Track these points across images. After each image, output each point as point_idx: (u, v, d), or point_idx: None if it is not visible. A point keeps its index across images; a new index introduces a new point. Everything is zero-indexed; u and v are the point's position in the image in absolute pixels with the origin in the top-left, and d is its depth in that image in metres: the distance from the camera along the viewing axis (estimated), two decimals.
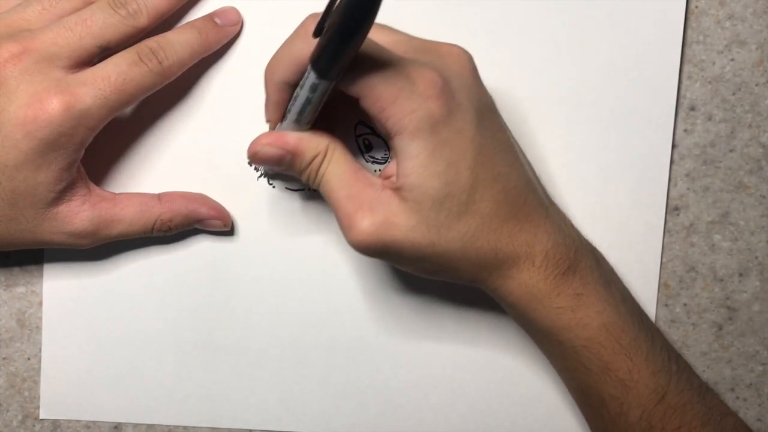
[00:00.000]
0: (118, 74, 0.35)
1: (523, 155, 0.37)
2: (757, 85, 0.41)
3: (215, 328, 0.42)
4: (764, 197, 0.41)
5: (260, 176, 0.41)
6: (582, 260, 0.35)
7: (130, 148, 0.40)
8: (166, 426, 0.43)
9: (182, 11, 0.39)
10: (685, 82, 0.41)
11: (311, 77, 0.31)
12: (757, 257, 0.42)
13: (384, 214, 0.33)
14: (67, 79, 0.35)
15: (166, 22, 0.38)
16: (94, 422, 0.43)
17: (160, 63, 0.36)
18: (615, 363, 0.35)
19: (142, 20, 0.37)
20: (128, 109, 0.40)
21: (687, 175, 0.41)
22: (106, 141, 0.38)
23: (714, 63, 0.41)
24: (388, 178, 0.34)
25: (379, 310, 0.42)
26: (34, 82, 0.34)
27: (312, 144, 0.34)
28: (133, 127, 0.40)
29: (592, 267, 0.36)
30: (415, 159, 0.32)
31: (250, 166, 0.41)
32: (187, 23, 0.39)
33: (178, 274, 0.41)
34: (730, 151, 0.41)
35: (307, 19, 0.33)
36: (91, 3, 0.37)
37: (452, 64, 0.34)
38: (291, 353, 0.42)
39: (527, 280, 0.35)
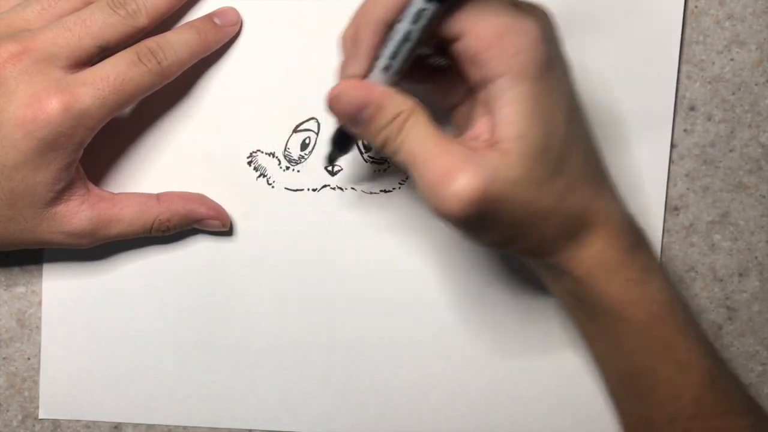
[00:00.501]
0: (117, 74, 0.35)
1: None
2: (756, 85, 0.41)
3: (215, 328, 0.42)
4: (764, 197, 0.41)
5: (266, 179, 0.41)
6: (643, 234, 0.35)
7: (129, 148, 0.41)
8: (166, 426, 0.43)
9: (181, 11, 0.39)
10: (684, 82, 0.41)
11: (418, 2, 0.29)
12: (756, 257, 0.42)
13: (486, 168, 0.30)
14: (67, 79, 0.35)
15: (165, 22, 0.38)
16: (94, 422, 0.43)
17: (159, 63, 0.36)
18: (675, 342, 0.34)
19: (142, 20, 0.37)
20: (127, 109, 0.40)
21: (687, 175, 0.41)
22: (105, 141, 0.38)
23: (714, 63, 0.41)
24: (475, 138, 0.32)
25: (379, 310, 0.42)
26: (34, 82, 0.34)
27: (398, 100, 0.32)
28: (132, 127, 0.40)
29: (651, 242, 0.35)
30: (521, 104, 0.30)
31: (255, 170, 0.41)
32: (186, 23, 0.39)
33: (177, 274, 0.41)
34: (730, 151, 0.41)
35: None
36: (90, 3, 0.37)
37: (545, 20, 0.32)
38: (291, 353, 0.42)
39: (602, 249, 0.33)
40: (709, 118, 0.41)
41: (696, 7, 0.40)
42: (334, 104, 0.33)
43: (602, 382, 0.38)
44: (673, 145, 0.41)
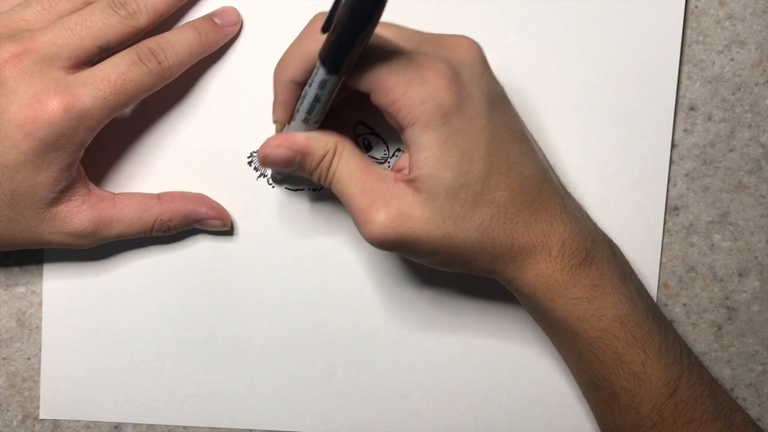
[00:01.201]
0: (117, 74, 0.35)
1: (537, 145, 0.36)
2: (756, 85, 0.41)
3: (215, 328, 0.42)
4: (764, 197, 0.41)
5: (267, 179, 0.41)
6: (598, 251, 0.35)
7: (129, 148, 0.41)
8: (166, 426, 0.43)
9: (182, 11, 0.39)
10: (684, 82, 0.41)
11: (320, 73, 0.31)
12: (756, 257, 0.42)
13: (398, 206, 0.33)
14: (67, 79, 0.35)
15: (165, 23, 0.38)
16: (94, 422, 0.43)
17: (159, 63, 0.36)
18: (629, 355, 0.35)
19: (142, 20, 0.37)
20: (128, 110, 0.40)
21: (687, 175, 0.41)
22: (106, 141, 0.38)
23: (714, 63, 0.41)
24: (400, 170, 0.34)
25: (379, 310, 0.42)
26: (34, 83, 0.34)
27: (321, 142, 0.34)
28: (133, 128, 0.40)
29: (609, 258, 0.36)
30: (428, 150, 0.32)
31: (256, 170, 0.41)
32: (186, 23, 0.39)
33: (178, 274, 0.41)
34: (730, 151, 0.41)
35: (315, 17, 0.33)
36: (90, 3, 0.37)
37: (461, 55, 0.34)
38: (291, 353, 0.42)
39: (543, 271, 0.34)
40: (709, 118, 0.41)
41: (696, 7, 0.40)
42: (265, 163, 0.35)
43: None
44: (673, 145, 0.41)
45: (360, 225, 0.34)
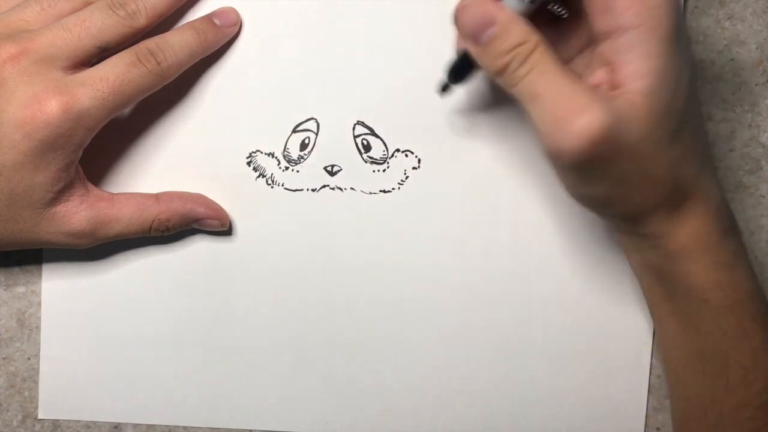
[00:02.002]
0: (116, 75, 0.35)
1: None
2: (756, 85, 0.41)
3: (214, 328, 0.42)
4: (764, 197, 0.41)
5: (266, 179, 0.41)
6: (736, 222, 0.35)
7: (128, 148, 0.41)
8: (166, 426, 0.43)
9: (181, 12, 0.39)
10: None
11: None
12: (757, 257, 0.41)
13: (615, 113, 0.29)
14: (66, 79, 0.35)
15: (164, 23, 0.38)
16: (93, 422, 0.43)
17: (158, 64, 0.37)
18: (753, 330, 0.34)
19: (141, 21, 0.37)
20: (126, 110, 0.40)
21: None
22: (105, 141, 0.38)
23: (714, 63, 0.41)
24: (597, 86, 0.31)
25: (379, 310, 0.42)
26: (33, 83, 0.34)
27: (525, 28, 0.31)
28: (132, 128, 0.40)
29: (742, 233, 0.35)
30: (654, 60, 0.29)
31: (255, 170, 0.40)
32: (185, 24, 0.39)
33: (177, 274, 0.41)
34: (730, 151, 0.41)
35: None
36: (90, 3, 0.37)
37: None
38: (290, 353, 0.42)
39: (700, 227, 0.33)
40: (709, 118, 0.41)
41: (696, 7, 0.40)
42: (459, 15, 0.31)
43: (667, 363, 0.38)
44: None
45: (562, 125, 0.29)
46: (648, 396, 0.42)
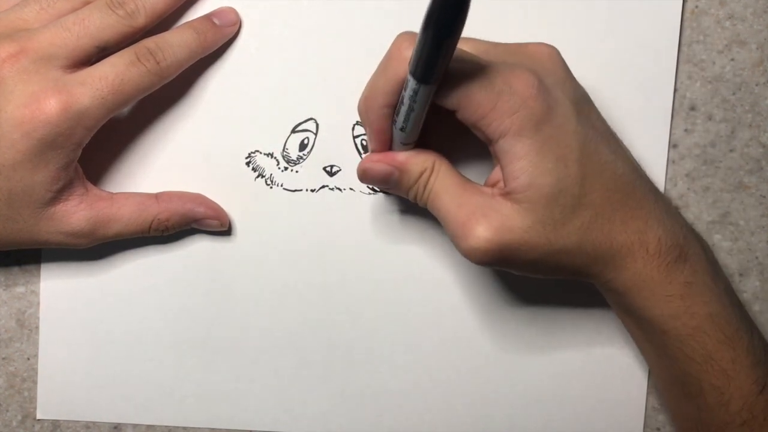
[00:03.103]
0: (115, 74, 0.35)
1: (622, 143, 0.36)
2: (757, 85, 0.41)
3: (214, 329, 0.42)
4: (764, 197, 0.41)
5: (264, 180, 0.41)
6: (691, 248, 0.35)
7: (127, 147, 0.41)
8: (166, 426, 0.43)
9: (180, 11, 0.39)
10: (685, 81, 0.41)
11: (411, 85, 0.31)
12: (757, 257, 0.41)
13: (498, 218, 0.33)
14: (65, 79, 0.35)
15: (164, 22, 0.38)
16: (93, 422, 0.43)
17: (158, 63, 0.37)
18: (718, 353, 0.34)
19: (140, 20, 0.37)
20: (126, 109, 0.40)
21: (687, 175, 0.41)
22: (104, 141, 0.38)
23: (714, 63, 0.41)
24: (493, 185, 0.34)
25: (378, 310, 0.42)
26: (32, 82, 0.34)
27: (419, 160, 0.35)
28: (131, 127, 0.40)
29: (700, 255, 0.35)
30: (524, 159, 0.32)
31: (254, 170, 0.40)
32: (185, 23, 0.39)
33: (176, 274, 0.41)
34: (730, 151, 0.41)
35: (397, 39, 0.33)
36: (89, 3, 0.37)
37: (543, 62, 0.34)
38: (290, 353, 0.42)
39: (641, 269, 0.34)
40: (710, 118, 0.41)
41: (696, 7, 0.40)
42: (364, 178, 0.36)
43: (655, 382, 0.39)
44: (673, 145, 0.41)
45: (458, 240, 0.34)
46: (648, 396, 0.42)
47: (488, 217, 0.33)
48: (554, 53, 0.34)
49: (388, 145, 0.35)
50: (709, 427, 0.36)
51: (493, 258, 0.33)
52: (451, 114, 0.33)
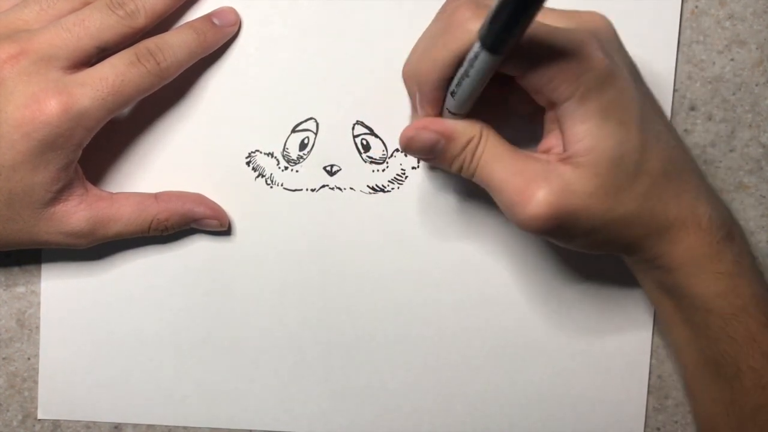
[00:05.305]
0: (115, 75, 0.35)
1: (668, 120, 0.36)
2: (757, 85, 0.41)
3: (214, 328, 0.42)
4: (764, 197, 0.41)
5: (265, 180, 0.40)
6: (736, 227, 0.35)
7: (127, 148, 0.41)
8: (166, 426, 0.43)
9: (180, 12, 0.39)
10: (685, 82, 0.41)
11: (482, 56, 0.30)
12: (757, 258, 0.41)
13: (560, 183, 0.32)
14: (65, 79, 0.35)
15: (164, 23, 0.38)
16: (93, 422, 0.43)
17: (158, 64, 0.37)
18: (762, 335, 0.34)
19: (140, 21, 0.37)
20: (126, 110, 0.40)
21: None
22: (104, 141, 0.38)
23: (714, 63, 0.41)
24: (547, 152, 0.34)
25: (378, 310, 0.42)
26: (32, 83, 0.34)
27: (467, 127, 0.34)
28: (131, 128, 0.40)
29: (744, 236, 0.36)
30: (589, 122, 0.32)
31: (254, 170, 0.41)
32: (185, 24, 0.39)
33: (176, 274, 0.41)
34: (730, 151, 0.41)
35: (456, 9, 0.32)
36: (89, 3, 0.37)
37: (600, 29, 0.33)
38: (290, 353, 0.42)
39: (693, 243, 0.34)
40: (710, 118, 0.41)
41: (696, 7, 0.40)
42: (409, 146, 0.34)
43: (683, 368, 0.39)
44: None
45: (516, 207, 0.32)
46: (648, 396, 0.42)
47: (549, 181, 0.32)
48: (609, 22, 0.34)
49: (437, 116, 0.34)
50: (743, 409, 0.35)
51: (552, 226, 0.32)
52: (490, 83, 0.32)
